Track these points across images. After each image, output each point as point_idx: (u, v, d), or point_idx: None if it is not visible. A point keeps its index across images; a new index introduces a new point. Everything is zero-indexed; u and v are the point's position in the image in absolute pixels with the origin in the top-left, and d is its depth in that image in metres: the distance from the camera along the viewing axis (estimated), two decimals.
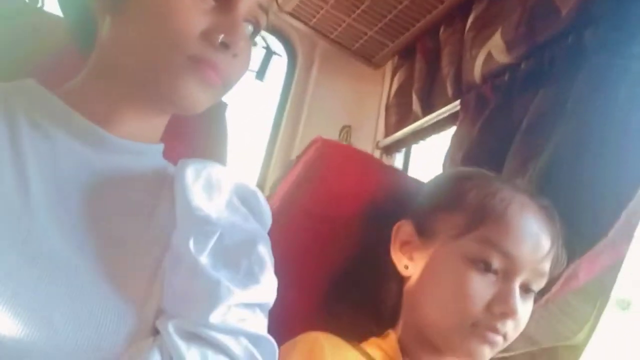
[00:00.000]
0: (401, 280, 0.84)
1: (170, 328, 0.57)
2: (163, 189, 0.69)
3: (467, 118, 1.44)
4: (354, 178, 0.95)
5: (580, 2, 1.15)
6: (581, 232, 0.92)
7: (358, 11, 1.86)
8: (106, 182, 0.65)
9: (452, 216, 0.80)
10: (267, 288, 0.64)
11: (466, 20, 1.59)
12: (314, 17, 1.97)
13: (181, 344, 0.56)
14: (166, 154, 0.74)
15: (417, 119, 1.79)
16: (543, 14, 1.25)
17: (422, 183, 1.02)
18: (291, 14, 1.99)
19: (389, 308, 0.84)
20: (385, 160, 2.00)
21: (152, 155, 0.72)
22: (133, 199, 0.66)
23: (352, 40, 2.04)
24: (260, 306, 0.64)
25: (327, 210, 0.91)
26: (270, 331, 0.63)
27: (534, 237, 0.78)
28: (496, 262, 0.75)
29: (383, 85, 2.15)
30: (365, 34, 1.98)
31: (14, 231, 0.56)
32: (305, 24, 2.03)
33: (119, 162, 0.67)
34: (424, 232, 0.83)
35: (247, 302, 0.61)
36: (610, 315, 0.98)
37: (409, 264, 0.83)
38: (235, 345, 0.58)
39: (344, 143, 2.15)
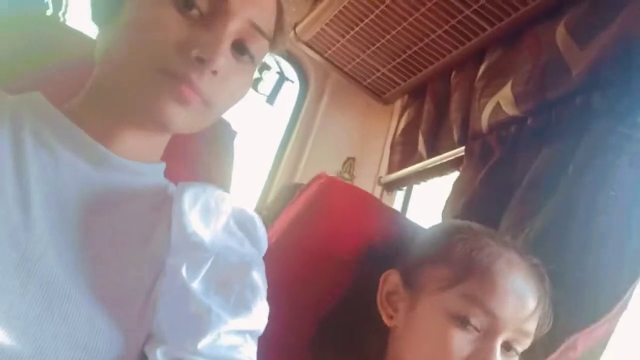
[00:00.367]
0: (387, 329, 0.83)
1: (159, 354, 0.57)
2: (162, 210, 0.68)
3: (471, 165, 1.45)
4: (354, 219, 0.95)
5: (591, 66, 1.17)
6: (584, 308, 0.90)
7: (373, 48, 1.89)
8: (106, 201, 0.65)
9: (438, 269, 0.79)
10: (258, 315, 0.64)
11: (478, 68, 1.61)
12: (330, 49, 1.99)
13: None
14: (171, 178, 0.74)
15: (421, 159, 1.80)
16: (554, 71, 1.27)
17: (422, 228, 1.02)
18: (307, 44, 2.01)
19: (373, 356, 0.83)
20: (386, 197, 2.00)
21: (152, 175, 0.72)
22: (132, 220, 0.66)
23: (364, 75, 2.06)
24: (250, 333, 0.63)
25: (324, 250, 0.91)
26: None
27: (518, 296, 0.76)
28: (478, 319, 0.74)
29: (390, 122, 2.17)
30: (378, 70, 2.00)
31: (13, 247, 0.56)
32: (320, 54, 2.05)
33: (119, 181, 0.67)
34: (409, 284, 0.82)
35: (238, 329, 0.61)
36: None
37: (394, 315, 0.82)
38: None
39: (347, 174, 2.17)
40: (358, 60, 1.99)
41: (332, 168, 2.16)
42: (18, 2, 0.96)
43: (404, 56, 1.86)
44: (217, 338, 0.59)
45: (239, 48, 0.65)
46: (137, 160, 0.69)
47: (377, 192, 2.03)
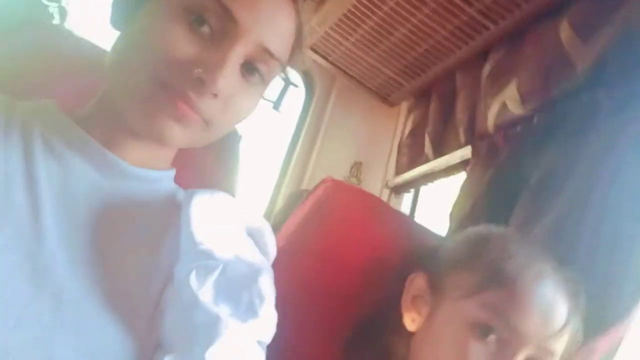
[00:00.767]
0: (408, 333, 0.81)
1: None
2: (172, 217, 0.68)
3: (478, 166, 1.44)
4: (362, 222, 0.94)
5: (597, 61, 1.16)
6: (602, 310, 0.87)
7: (377, 51, 1.89)
8: (116, 209, 0.65)
9: (464, 275, 0.76)
10: (266, 323, 0.64)
11: (482, 67, 1.60)
12: (334, 52, 2.00)
13: None
14: (177, 182, 0.74)
15: (427, 161, 1.80)
16: (559, 68, 1.26)
17: (432, 232, 1.01)
18: (312, 48, 2.02)
19: (398, 359, 0.80)
20: (394, 200, 2.00)
21: (162, 182, 0.72)
22: (141, 228, 0.66)
23: (370, 77, 2.06)
24: (258, 341, 0.63)
25: (332, 253, 0.90)
26: None
27: (545, 311, 0.71)
28: (499, 332, 0.70)
29: (397, 124, 2.17)
30: (383, 72, 2.00)
31: (24, 256, 0.56)
32: (325, 58, 2.06)
33: (129, 189, 0.67)
34: (436, 289, 0.79)
35: (246, 338, 0.61)
36: None
37: (417, 319, 0.80)
38: None
39: (354, 179, 2.16)
40: (363, 63, 1.99)
41: (339, 173, 2.16)
42: (22, 12, 0.97)
43: (408, 58, 1.86)
44: (225, 347, 0.58)
45: (249, 69, 0.64)
46: (147, 167, 0.69)
47: (384, 195, 2.03)
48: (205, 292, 0.61)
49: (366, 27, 1.79)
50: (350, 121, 2.24)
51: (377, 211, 0.98)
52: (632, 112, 1.05)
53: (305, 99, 2.31)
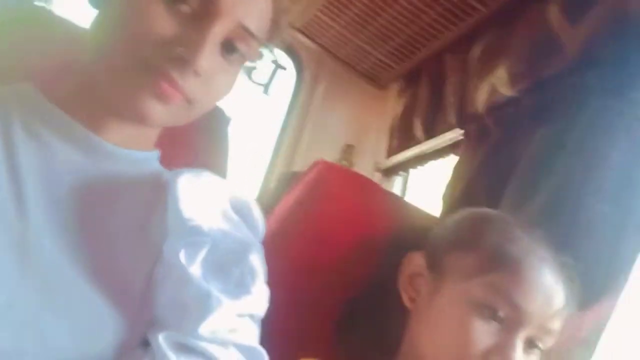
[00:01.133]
0: (405, 311, 0.82)
1: (161, 339, 0.58)
2: (158, 197, 0.68)
3: (469, 148, 1.45)
4: (354, 203, 0.94)
5: (584, 43, 1.16)
6: (589, 286, 0.89)
7: (366, 33, 1.88)
8: (101, 191, 0.65)
9: (466, 256, 0.78)
10: (258, 298, 0.64)
11: (472, 49, 1.61)
12: (323, 35, 1.99)
13: (171, 356, 0.57)
14: (165, 165, 0.74)
15: (418, 143, 1.80)
16: (548, 50, 1.26)
17: (426, 212, 1.02)
18: (301, 31, 2.01)
19: (390, 338, 0.82)
20: (385, 182, 2.01)
21: (147, 162, 0.72)
22: (127, 208, 0.66)
23: (359, 60, 2.06)
24: (251, 316, 0.64)
25: (325, 235, 0.91)
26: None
27: (546, 293, 0.74)
28: (502, 312, 0.73)
29: (387, 107, 2.16)
30: (373, 55, 2.00)
31: (9, 239, 0.56)
32: (314, 41, 2.05)
33: (113, 170, 0.67)
34: (435, 268, 0.81)
35: (238, 313, 0.61)
36: None
37: (415, 297, 0.81)
38: (225, 356, 0.59)
39: (345, 162, 2.17)
40: (352, 45, 1.98)
41: (330, 156, 2.16)
42: None
43: (398, 40, 1.86)
44: (218, 322, 0.59)
45: (228, 47, 0.64)
46: (131, 148, 0.69)
47: (376, 178, 2.03)
48: (195, 269, 0.61)
49: (355, 10, 1.79)
50: (340, 104, 2.24)
51: (369, 192, 0.99)
52: (619, 91, 1.06)
53: (295, 82, 2.31)
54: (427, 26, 1.73)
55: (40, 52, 0.81)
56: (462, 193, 1.32)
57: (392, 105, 2.12)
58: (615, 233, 0.97)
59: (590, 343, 0.97)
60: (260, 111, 2.28)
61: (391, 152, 1.98)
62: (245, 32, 0.64)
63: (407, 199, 1.96)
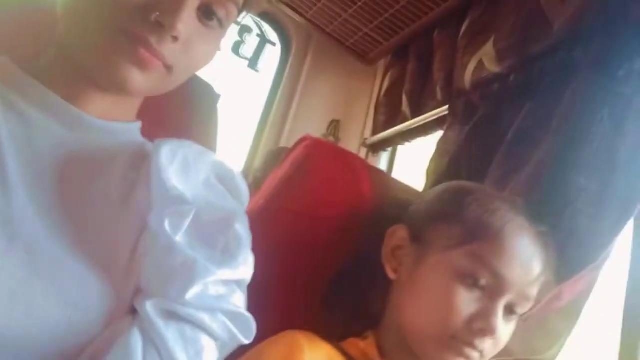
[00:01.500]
0: (387, 283, 0.85)
1: (148, 307, 0.58)
2: (141, 168, 0.68)
3: (455, 123, 1.46)
4: (342, 179, 0.95)
5: (573, 19, 1.17)
6: (566, 257, 0.92)
7: (355, 7, 1.87)
8: (82, 162, 0.64)
9: (449, 227, 0.80)
10: (244, 265, 0.65)
11: (460, 25, 1.61)
12: (311, 9, 1.97)
13: (159, 322, 0.57)
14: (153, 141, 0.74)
15: (405, 119, 1.80)
16: (536, 26, 1.27)
17: (411, 188, 1.03)
18: (288, 5, 1.99)
19: (373, 310, 0.85)
20: (371, 158, 2.02)
21: (128, 134, 0.71)
22: (110, 178, 0.65)
23: (347, 35, 2.05)
24: (237, 283, 0.64)
25: (313, 210, 0.91)
26: None
27: (525, 261, 0.77)
28: (484, 280, 0.75)
29: (374, 82, 2.16)
30: (361, 30, 1.99)
31: None
32: (302, 15, 2.03)
33: (95, 142, 0.66)
34: (418, 239, 0.83)
35: (225, 279, 0.62)
36: None
37: (398, 269, 0.83)
38: (212, 322, 0.59)
39: (332, 137, 2.17)
40: (340, 20, 1.97)
41: (316, 131, 2.16)
42: None
43: (386, 15, 1.85)
44: (204, 289, 0.59)
45: (206, 13, 0.64)
46: (112, 119, 0.68)
47: (362, 153, 2.04)
48: (181, 237, 0.61)
49: None
50: (327, 79, 2.23)
51: (355, 169, 0.99)
52: (605, 68, 1.07)
53: (282, 56, 2.29)
54: (416, 2, 1.73)
55: (17, 24, 0.80)
56: (447, 168, 1.34)
57: (379, 81, 2.12)
58: (595, 206, 0.99)
59: (571, 314, 1.00)
60: (247, 85, 2.27)
61: (378, 127, 1.98)
62: None
63: (394, 174, 1.97)
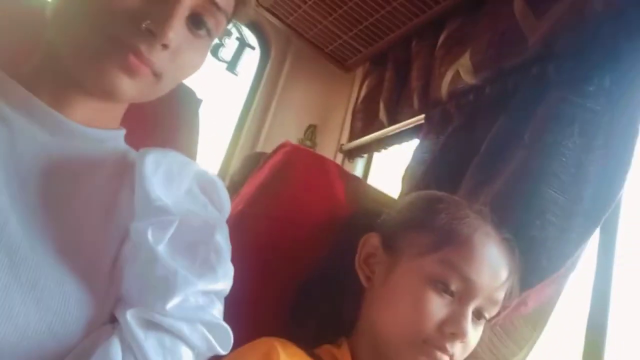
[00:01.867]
0: (360, 291, 0.86)
1: (129, 316, 0.58)
2: (124, 175, 0.68)
3: (431, 132, 1.48)
4: (320, 186, 0.96)
5: (546, 36, 1.20)
6: (534, 265, 0.96)
7: (335, 15, 1.89)
8: (66, 169, 0.64)
9: (420, 235, 0.82)
10: (223, 276, 0.65)
11: (438, 36, 1.63)
12: (292, 15, 1.98)
13: (139, 332, 0.57)
14: (135, 147, 0.74)
15: (382, 127, 1.82)
16: (511, 41, 1.30)
17: (386, 195, 1.05)
18: (269, 10, 1.99)
19: (347, 317, 0.86)
20: (347, 164, 2.03)
21: (112, 141, 0.71)
22: (93, 186, 0.66)
23: (327, 42, 2.06)
24: (216, 294, 0.65)
25: (291, 217, 0.92)
26: None
27: (493, 266, 0.80)
28: (454, 285, 0.78)
29: (352, 89, 2.18)
30: (340, 37, 2.00)
31: None
32: (282, 20, 2.04)
33: (78, 148, 0.66)
34: (390, 247, 0.85)
35: (204, 290, 0.62)
36: None
37: (372, 276, 0.85)
38: (192, 332, 0.60)
39: (308, 142, 2.18)
40: (320, 26, 1.98)
41: (294, 135, 2.17)
42: None
43: (365, 23, 1.87)
44: (184, 299, 0.60)
45: (195, 22, 0.64)
46: (96, 126, 0.68)
47: (338, 159, 2.05)
48: (162, 247, 0.62)
49: None
50: (306, 84, 2.24)
51: (333, 176, 1.00)
52: (575, 80, 1.10)
53: (261, 60, 2.29)
54: (396, 11, 1.75)
55: (2, 28, 0.79)
56: (422, 176, 1.36)
57: (357, 88, 2.14)
58: (564, 219, 1.02)
59: (536, 321, 1.03)
60: (225, 89, 2.27)
61: (355, 134, 2.00)
62: (211, 5, 0.64)
63: (369, 181, 1.99)
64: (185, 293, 0.60)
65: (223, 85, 2.23)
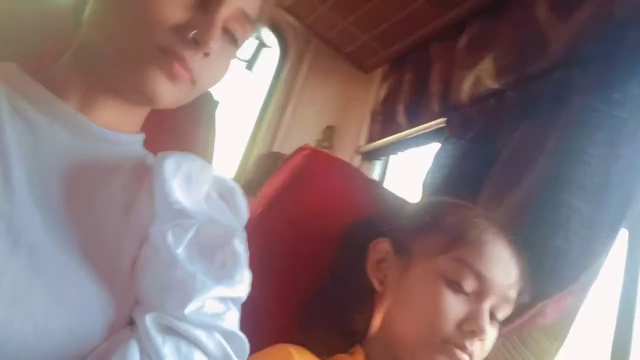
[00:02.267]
0: (374, 297, 0.86)
1: (148, 321, 0.58)
2: (143, 179, 0.68)
3: (452, 137, 1.47)
4: (339, 191, 0.95)
5: (571, 41, 1.18)
6: (554, 275, 0.95)
7: (355, 16, 1.88)
8: (87, 171, 0.65)
9: (431, 237, 0.83)
10: (241, 283, 0.65)
11: (458, 39, 1.62)
12: (311, 15, 1.98)
13: (158, 338, 0.57)
14: (152, 150, 0.74)
15: (400, 130, 1.81)
16: (534, 46, 1.28)
17: (403, 200, 1.04)
18: (288, 10, 1.99)
19: (360, 324, 0.86)
20: (365, 166, 2.02)
21: (132, 145, 0.72)
22: (113, 189, 0.66)
23: (346, 43, 2.05)
24: (233, 300, 0.65)
25: (309, 221, 0.91)
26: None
27: (505, 264, 0.81)
28: (470, 283, 0.79)
29: (371, 91, 2.17)
30: (360, 38, 1.99)
31: None
32: (301, 21, 2.04)
33: (100, 151, 0.67)
34: (401, 251, 0.85)
35: (222, 297, 0.62)
36: None
37: (384, 281, 0.85)
38: (209, 341, 0.60)
39: (326, 143, 2.17)
40: (339, 27, 1.98)
41: (311, 137, 2.17)
42: None
43: (385, 25, 1.86)
44: (202, 305, 0.60)
45: (227, 31, 0.67)
46: (118, 130, 0.69)
47: (356, 161, 2.05)
48: (182, 251, 0.62)
49: None
50: (324, 85, 2.24)
51: (352, 180, 1.00)
52: (600, 87, 1.08)
53: (280, 60, 2.29)
54: (416, 13, 1.73)
55: (28, 31, 0.80)
56: (444, 181, 1.34)
57: (375, 89, 2.13)
58: (588, 228, 1.01)
59: (556, 333, 1.01)
60: (243, 89, 2.27)
61: (373, 136, 1.99)
62: (244, 16, 0.67)
63: (387, 184, 1.98)
64: (203, 299, 0.60)
65: (241, 86, 2.24)
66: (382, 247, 0.88)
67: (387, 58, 2.04)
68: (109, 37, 0.63)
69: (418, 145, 1.78)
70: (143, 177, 0.69)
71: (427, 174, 1.45)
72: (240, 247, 0.67)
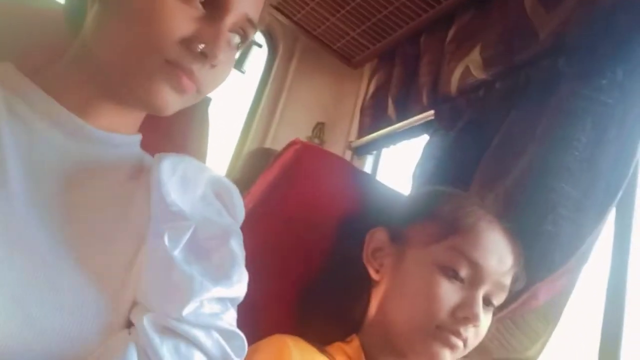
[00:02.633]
0: (370, 285, 0.87)
1: (145, 322, 0.58)
2: (139, 181, 0.69)
3: (441, 128, 1.48)
4: (331, 184, 0.96)
5: (557, 29, 1.19)
6: (544, 258, 0.97)
7: (342, 12, 1.88)
8: (83, 173, 0.65)
9: (426, 225, 0.84)
10: (238, 283, 0.65)
11: (447, 31, 1.63)
12: (299, 12, 1.98)
13: (156, 339, 0.57)
14: (146, 147, 0.74)
15: (390, 123, 1.82)
16: (522, 35, 1.29)
17: (395, 191, 1.05)
18: (276, 7, 1.99)
19: (356, 313, 0.87)
20: (356, 161, 2.03)
21: (129, 146, 0.72)
22: (110, 191, 0.66)
23: (334, 39, 2.06)
24: (231, 300, 0.65)
25: (301, 215, 0.92)
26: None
27: (499, 251, 0.82)
28: (464, 270, 0.80)
29: (360, 86, 2.17)
30: (348, 34, 2.00)
31: None
32: (289, 18, 2.03)
33: (96, 153, 0.67)
34: (397, 240, 0.86)
35: (219, 297, 0.62)
36: None
37: (380, 269, 0.87)
38: (207, 340, 0.60)
39: (317, 139, 2.18)
40: (327, 23, 1.98)
41: (302, 133, 2.17)
42: None
43: (373, 19, 1.86)
44: (200, 305, 0.60)
45: (231, 38, 0.67)
46: (115, 132, 0.69)
47: (347, 156, 2.05)
48: (179, 252, 0.62)
49: None
50: (313, 82, 2.24)
51: (344, 173, 1.00)
52: (587, 74, 1.10)
53: (268, 58, 2.29)
54: (404, 7, 1.74)
55: (25, 33, 0.80)
56: (434, 172, 1.35)
57: (365, 84, 2.13)
58: (577, 212, 1.02)
59: (549, 315, 1.02)
60: (232, 87, 2.27)
61: (363, 131, 2.00)
62: (248, 22, 0.67)
63: (379, 177, 1.99)
64: (200, 299, 0.60)
65: (231, 83, 2.23)
66: (378, 236, 0.89)
67: (375, 53, 2.04)
68: (114, 49, 0.63)
69: (409, 137, 1.79)
70: (140, 177, 0.69)
71: (416, 165, 1.45)
72: (237, 246, 0.68)
